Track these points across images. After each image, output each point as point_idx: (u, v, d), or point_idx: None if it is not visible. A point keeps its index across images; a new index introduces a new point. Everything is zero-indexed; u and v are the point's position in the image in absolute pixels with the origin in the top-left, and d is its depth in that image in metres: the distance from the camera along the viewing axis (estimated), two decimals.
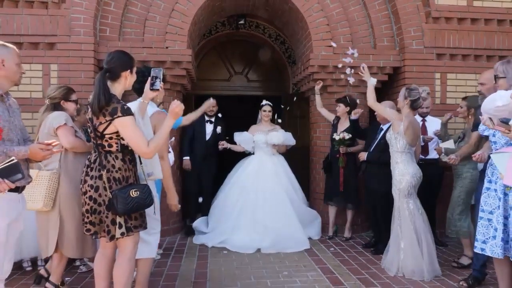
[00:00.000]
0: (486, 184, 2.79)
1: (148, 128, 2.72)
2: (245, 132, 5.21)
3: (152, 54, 4.78)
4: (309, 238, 4.74)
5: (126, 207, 2.33)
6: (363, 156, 4.40)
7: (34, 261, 3.84)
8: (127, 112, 2.36)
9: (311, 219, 5.05)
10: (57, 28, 4.64)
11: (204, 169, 5.24)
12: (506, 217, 2.63)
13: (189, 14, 4.94)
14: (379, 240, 4.39)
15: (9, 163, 1.80)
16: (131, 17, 4.93)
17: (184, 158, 5.21)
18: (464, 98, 4.15)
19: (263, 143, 5.04)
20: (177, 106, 2.44)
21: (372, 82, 3.88)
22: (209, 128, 5.37)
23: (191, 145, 5.26)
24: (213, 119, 5.40)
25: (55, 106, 3.21)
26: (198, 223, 5.02)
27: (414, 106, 3.64)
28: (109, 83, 2.45)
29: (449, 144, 3.97)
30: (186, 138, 5.28)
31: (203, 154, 5.22)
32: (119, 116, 2.33)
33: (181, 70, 4.92)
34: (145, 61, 4.68)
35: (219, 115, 5.42)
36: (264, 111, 5.21)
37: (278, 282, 3.50)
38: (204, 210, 5.23)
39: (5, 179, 1.76)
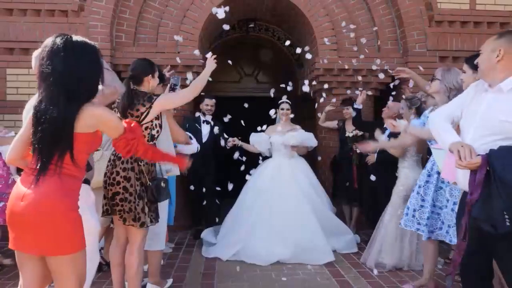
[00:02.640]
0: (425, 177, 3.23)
1: (167, 131, 3.02)
2: (262, 133, 4.83)
3: (164, 59, 5.04)
4: (333, 251, 4.22)
5: (165, 196, 2.74)
6: (372, 159, 4.51)
7: None
8: (158, 95, 2.78)
9: (339, 230, 4.52)
10: (76, 35, 4.92)
11: (204, 173, 4.86)
12: (440, 207, 3.13)
13: (200, 20, 5.20)
14: None
15: None
16: (145, 23, 5.20)
17: None
18: None
19: (280, 145, 4.66)
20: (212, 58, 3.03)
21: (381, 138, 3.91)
22: (205, 129, 5.01)
23: None
24: (210, 119, 5.06)
25: None
26: (205, 235, 4.69)
27: (420, 112, 3.80)
28: (135, 87, 2.80)
29: None
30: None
31: (201, 157, 4.61)
32: (155, 99, 2.71)
33: (192, 74, 5.16)
34: (158, 65, 4.93)
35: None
36: (282, 109, 4.81)
37: (282, 274, 3.70)
38: (209, 216, 5.03)
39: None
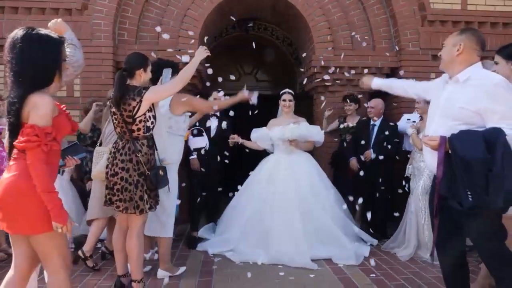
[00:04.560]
0: None
1: (161, 122, 3.14)
2: (263, 128, 4.54)
3: (165, 57, 5.17)
4: (330, 260, 3.86)
5: (164, 183, 2.88)
6: (369, 155, 4.62)
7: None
8: (148, 88, 2.87)
9: (337, 241, 4.00)
10: (80, 32, 5.07)
11: (210, 169, 4.62)
12: None
13: (200, 19, 5.35)
14: (374, 230, 4.70)
15: (74, 144, 2.26)
16: (147, 22, 5.36)
17: (191, 157, 4.59)
18: None
19: (278, 139, 4.34)
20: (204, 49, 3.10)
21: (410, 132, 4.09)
22: (214, 123, 4.76)
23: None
24: (218, 113, 4.81)
25: None
26: (203, 232, 4.59)
27: None
28: (128, 80, 2.91)
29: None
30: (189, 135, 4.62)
31: (208, 153, 4.59)
32: (145, 92, 2.79)
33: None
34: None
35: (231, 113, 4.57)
36: (284, 100, 4.48)
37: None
38: (210, 214, 4.90)
39: (74, 157, 2.19)
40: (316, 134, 4.41)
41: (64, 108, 2.11)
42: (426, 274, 3.53)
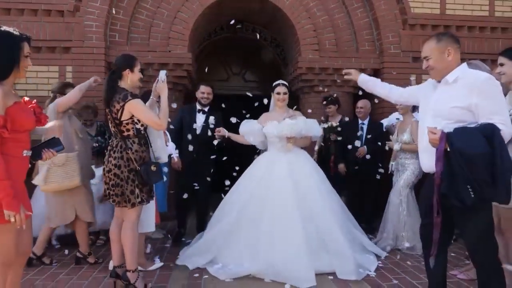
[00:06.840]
0: None
1: None
2: (253, 121, 4.07)
3: (156, 57, 5.34)
4: (333, 274, 3.41)
5: (157, 178, 2.97)
6: (363, 152, 4.82)
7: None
8: (136, 97, 2.93)
9: (340, 251, 3.50)
10: (72, 34, 5.20)
11: (196, 171, 4.37)
12: None
13: (190, 21, 5.51)
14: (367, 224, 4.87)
15: (52, 139, 2.38)
16: (138, 24, 5.49)
17: (173, 155, 4.33)
18: None
19: (275, 136, 3.87)
20: (159, 87, 3.05)
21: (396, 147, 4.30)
22: (200, 119, 4.48)
23: (179, 140, 4.45)
24: (206, 109, 4.53)
25: (53, 98, 3.81)
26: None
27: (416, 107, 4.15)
28: (118, 81, 3.02)
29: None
30: (172, 132, 4.38)
31: (194, 152, 4.33)
32: (130, 100, 2.86)
33: (182, 72, 5.48)
34: (150, 63, 5.25)
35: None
36: (278, 93, 3.98)
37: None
38: (199, 212, 4.68)
39: (50, 149, 2.31)
40: (314, 128, 4.01)
41: (33, 103, 2.26)
42: (404, 264, 3.75)
